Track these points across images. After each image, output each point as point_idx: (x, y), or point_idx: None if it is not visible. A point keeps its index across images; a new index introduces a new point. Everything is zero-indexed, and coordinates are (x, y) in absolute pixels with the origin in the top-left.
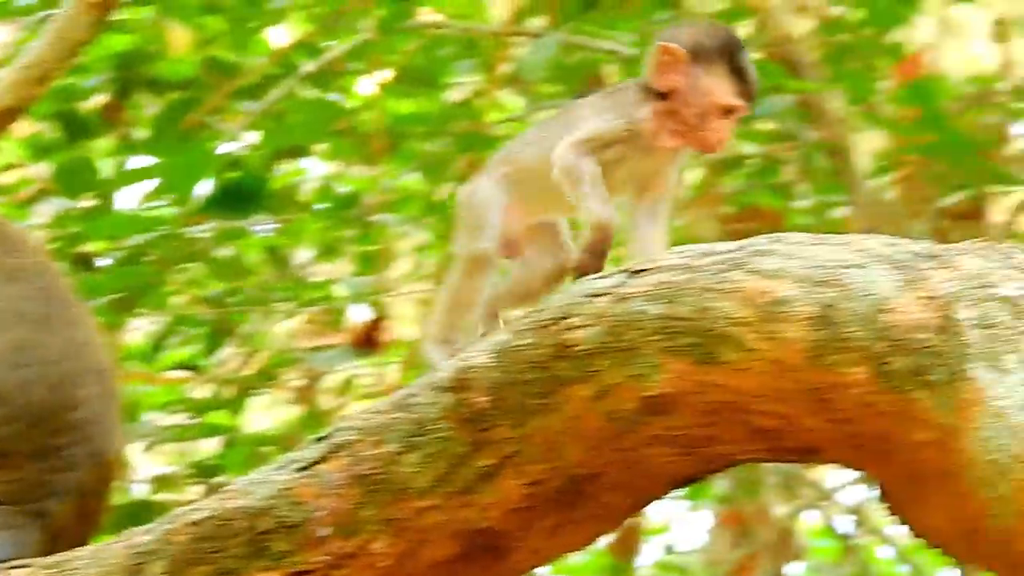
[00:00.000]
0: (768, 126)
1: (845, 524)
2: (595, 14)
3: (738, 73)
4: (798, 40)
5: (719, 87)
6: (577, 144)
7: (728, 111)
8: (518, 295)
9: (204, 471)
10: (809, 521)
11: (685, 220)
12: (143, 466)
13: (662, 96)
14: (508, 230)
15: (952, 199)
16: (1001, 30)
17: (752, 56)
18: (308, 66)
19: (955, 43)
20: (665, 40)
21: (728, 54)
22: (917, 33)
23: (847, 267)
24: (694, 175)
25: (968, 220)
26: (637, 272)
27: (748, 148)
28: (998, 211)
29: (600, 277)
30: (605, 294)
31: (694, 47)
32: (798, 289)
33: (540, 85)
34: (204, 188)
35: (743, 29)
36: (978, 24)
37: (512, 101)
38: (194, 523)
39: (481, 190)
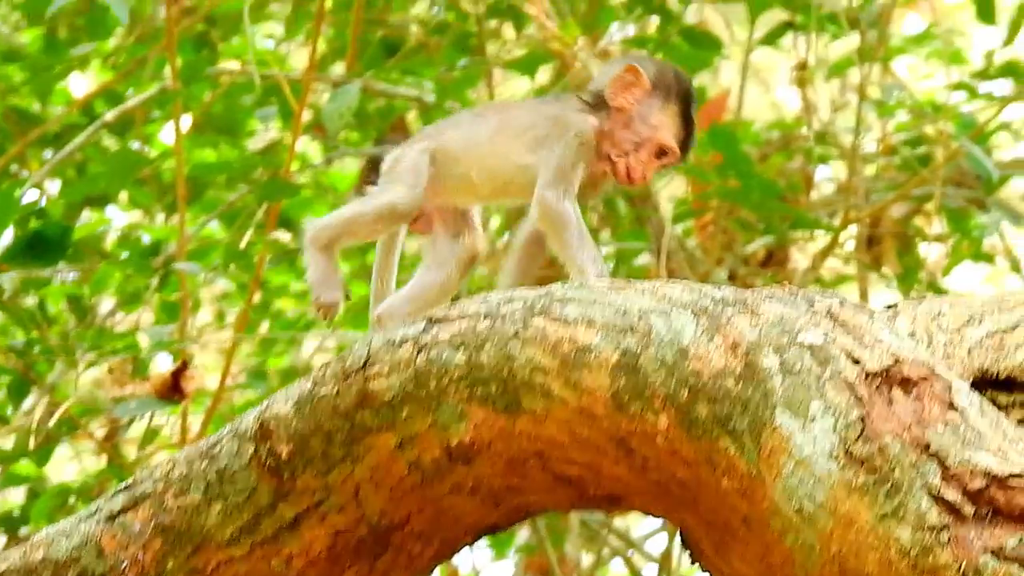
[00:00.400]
0: None
1: (651, 573)
2: (396, 61)
3: (687, 122)
4: None
5: (666, 126)
6: (553, 184)
7: (662, 153)
8: (428, 284)
9: (8, 522)
10: (615, 570)
11: (486, 268)
12: None
13: (603, 112)
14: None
15: (755, 245)
16: (802, 75)
17: None
18: (109, 115)
19: (758, 88)
20: (634, 61)
21: (685, 101)
22: (720, 77)
23: (650, 314)
24: (493, 223)
25: (772, 266)
26: (439, 320)
27: None
28: (802, 257)
29: (403, 326)
30: (408, 342)
31: (658, 79)
32: (601, 336)
33: (341, 132)
34: (5, 237)
35: (544, 74)
36: (781, 69)
37: (313, 149)
38: None
39: (407, 157)
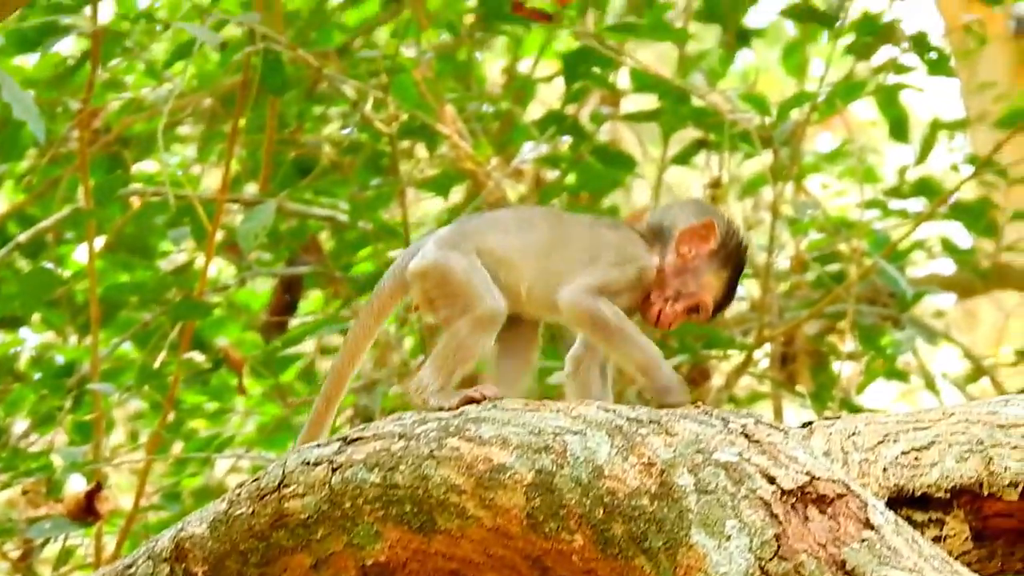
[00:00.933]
0: None
1: None
2: (309, 181)
3: (731, 290)
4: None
5: (713, 289)
6: (591, 289)
7: (696, 309)
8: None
9: None
10: None
11: (398, 385)
12: None
13: (658, 249)
14: None
15: (671, 363)
16: (715, 193)
17: None
18: (22, 236)
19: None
20: (716, 219)
21: (737, 270)
22: (634, 196)
23: (565, 434)
24: (409, 341)
25: (690, 384)
26: (354, 440)
27: None
28: (717, 375)
29: (317, 445)
30: (323, 462)
31: (723, 242)
32: (516, 456)
33: (254, 252)
34: None
35: (457, 194)
36: (694, 187)
37: (225, 269)
38: None
39: (458, 261)
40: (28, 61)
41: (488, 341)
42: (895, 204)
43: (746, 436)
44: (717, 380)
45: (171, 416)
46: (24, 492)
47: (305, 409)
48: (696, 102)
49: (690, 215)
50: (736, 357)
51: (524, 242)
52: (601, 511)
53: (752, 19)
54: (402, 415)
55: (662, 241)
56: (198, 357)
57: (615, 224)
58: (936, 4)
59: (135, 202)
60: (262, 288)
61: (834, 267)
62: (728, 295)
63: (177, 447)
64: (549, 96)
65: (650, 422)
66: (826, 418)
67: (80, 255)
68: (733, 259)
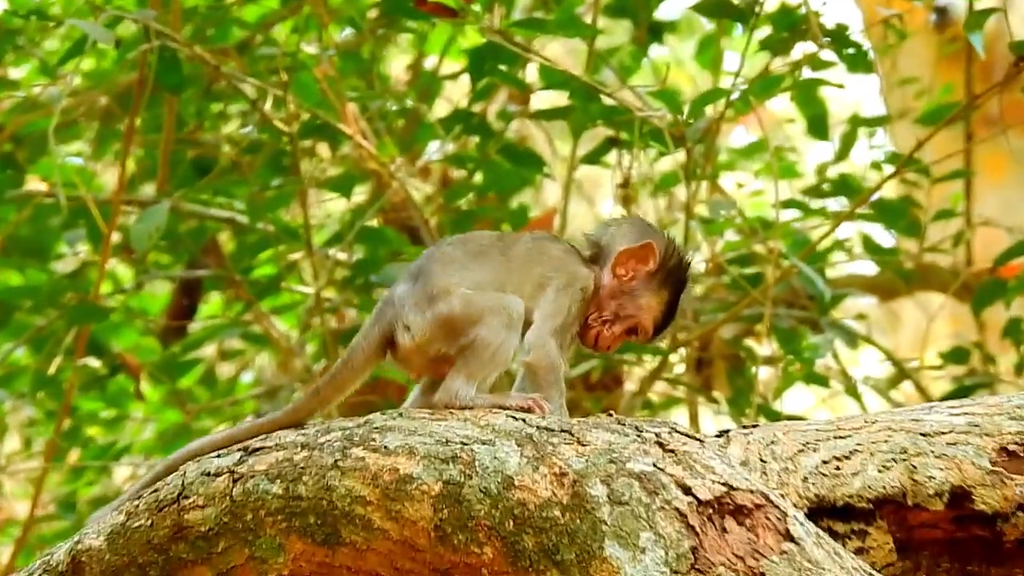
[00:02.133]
0: None
1: None
2: (208, 181)
3: (671, 312)
4: (419, 205)
5: (652, 310)
6: (553, 333)
7: (635, 331)
8: None
9: None
10: None
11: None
12: None
13: (597, 268)
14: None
15: (582, 368)
16: (626, 193)
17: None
18: None
19: (583, 205)
20: (656, 240)
21: (678, 292)
22: (544, 195)
23: (473, 443)
24: (313, 347)
25: (602, 390)
26: (256, 450)
27: None
28: (630, 381)
29: (217, 455)
30: (223, 473)
31: (663, 263)
32: (422, 466)
33: (151, 254)
34: None
35: (360, 195)
36: (606, 185)
37: (123, 272)
38: None
39: (447, 304)
40: None
41: (517, 338)
42: (814, 203)
43: (661, 445)
44: (630, 386)
45: (67, 423)
46: None
47: (205, 415)
48: (607, 99)
49: (628, 236)
50: (650, 362)
51: (483, 275)
52: (511, 523)
53: (664, 12)
54: (305, 424)
55: (600, 260)
56: (94, 362)
57: (553, 239)
58: None
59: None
60: (160, 292)
61: (751, 269)
62: (668, 316)
63: (73, 455)
64: (455, 94)
65: (561, 431)
66: (744, 426)
67: None
68: (673, 279)
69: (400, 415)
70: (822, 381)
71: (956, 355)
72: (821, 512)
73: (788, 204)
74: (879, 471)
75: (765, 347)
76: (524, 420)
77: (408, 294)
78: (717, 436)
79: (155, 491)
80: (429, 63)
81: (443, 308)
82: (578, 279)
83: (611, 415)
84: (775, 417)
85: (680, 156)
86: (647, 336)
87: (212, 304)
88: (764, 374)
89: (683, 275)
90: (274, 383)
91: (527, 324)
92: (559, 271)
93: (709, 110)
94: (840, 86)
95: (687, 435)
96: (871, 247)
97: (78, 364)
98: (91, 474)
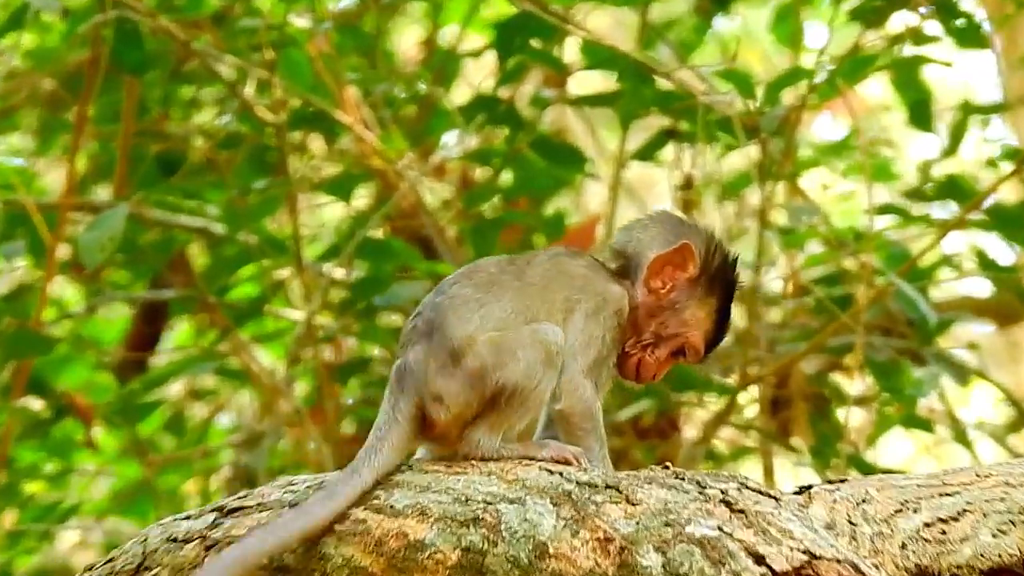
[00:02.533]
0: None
1: None
2: (176, 181)
3: (723, 322)
4: (432, 212)
5: (700, 325)
6: (589, 372)
7: (683, 352)
8: None
9: None
10: None
11: (288, 439)
12: None
13: (629, 282)
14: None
15: (631, 410)
16: (687, 196)
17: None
18: None
19: (633, 211)
20: (692, 238)
21: (728, 296)
22: (586, 198)
23: (499, 502)
24: (303, 385)
25: (657, 437)
26: (233, 511)
27: (377, 352)
28: (690, 426)
29: (186, 517)
30: (194, 539)
31: (705, 265)
32: (436, 530)
33: (105, 271)
34: None
35: (361, 199)
36: (661, 188)
37: (71, 293)
38: None
39: (473, 361)
40: None
41: (556, 376)
42: (916, 209)
43: (727, 504)
44: (690, 432)
45: (2, 477)
46: None
47: (172, 468)
48: (662, 82)
49: (659, 240)
50: (715, 402)
51: (504, 308)
52: None
53: None
54: (293, 478)
55: (630, 273)
56: (36, 404)
57: (573, 253)
58: None
59: None
60: (117, 317)
61: (839, 289)
62: (720, 327)
63: (9, 517)
64: (478, 75)
65: (606, 487)
66: (829, 481)
67: None
68: (720, 282)
69: (410, 467)
70: (925, 425)
71: None
72: None
73: (884, 210)
74: (994, 536)
75: (856, 384)
76: (561, 474)
77: (426, 356)
78: (797, 493)
79: (110, 561)
80: (446, 37)
81: (473, 363)
82: (609, 301)
83: (667, 467)
84: (868, 470)
85: (753, 151)
86: (698, 355)
87: (180, 332)
88: (855, 417)
89: (731, 275)
90: (255, 429)
91: None
92: (585, 292)
93: (787, 95)
94: (948, 64)
95: (760, 492)
96: (985, 262)
97: (16, 406)
98: (31, 539)
